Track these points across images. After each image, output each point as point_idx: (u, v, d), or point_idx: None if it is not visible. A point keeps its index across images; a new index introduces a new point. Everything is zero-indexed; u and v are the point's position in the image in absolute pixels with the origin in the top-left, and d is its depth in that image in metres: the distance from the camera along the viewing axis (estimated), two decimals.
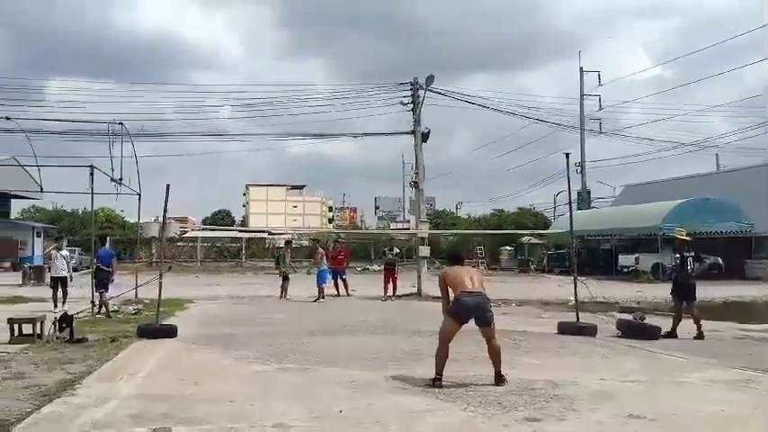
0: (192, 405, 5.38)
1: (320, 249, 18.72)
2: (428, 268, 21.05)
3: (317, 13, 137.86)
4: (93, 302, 12.70)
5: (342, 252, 19.63)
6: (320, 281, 17.13)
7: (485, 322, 6.39)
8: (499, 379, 6.34)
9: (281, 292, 17.44)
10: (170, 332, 9.69)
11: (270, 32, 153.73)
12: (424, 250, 20.25)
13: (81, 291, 14.01)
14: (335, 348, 8.80)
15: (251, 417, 5.04)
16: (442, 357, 6.34)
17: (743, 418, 5.29)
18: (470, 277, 6.54)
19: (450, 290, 6.56)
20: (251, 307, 15.33)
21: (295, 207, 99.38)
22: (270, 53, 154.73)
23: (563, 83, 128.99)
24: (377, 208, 73.74)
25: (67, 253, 14.25)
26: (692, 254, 10.83)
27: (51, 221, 47.02)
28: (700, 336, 10.22)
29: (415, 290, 19.36)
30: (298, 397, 5.80)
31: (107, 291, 12.75)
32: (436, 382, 6.20)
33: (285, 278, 17.58)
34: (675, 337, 10.25)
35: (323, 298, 16.79)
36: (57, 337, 9.02)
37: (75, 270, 14.31)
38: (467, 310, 6.34)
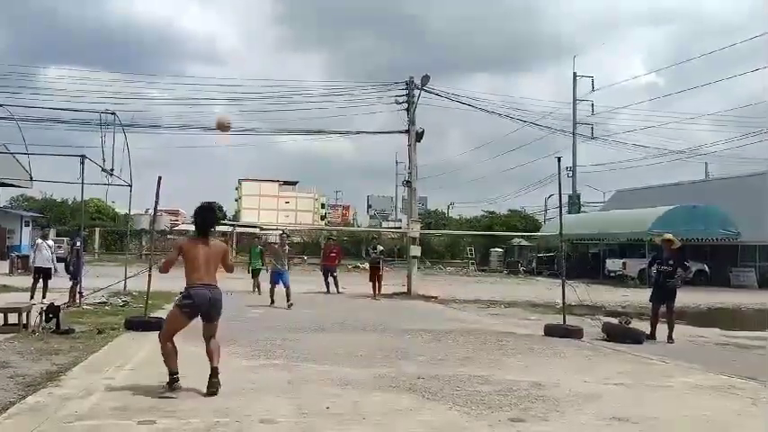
0: (178, 399, 5.38)
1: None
2: (419, 268, 21.13)
3: (317, 10, 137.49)
4: (80, 293, 12.69)
5: (334, 250, 19.65)
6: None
7: (211, 320, 5.79)
8: (214, 375, 5.59)
9: (257, 289, 17.29)
10: (158, 325, 9.52)
11: (269, 28, 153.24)
12: (416, 250, 20.30)
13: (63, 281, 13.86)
14: (324, 345, 8.81)
15: (238, 412, 5.05)
16: (169, 354, 5.58)
17: (725, 423, 5.35)
18: (208, 264, 5.73)
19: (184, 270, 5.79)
20: (240, 302, 15.29)
21: (287, 203, 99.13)
22: (268, 48, 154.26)
23: (557, 87, 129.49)
24: (369, 206, 73.74)
25: (53, 243, 14.08)
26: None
27: (40, 211, 46.70)
28: (671, 340, 10.43)
29: (405, 289, 19.44)
30: (285, 393, 5.81)
31: (74, 279, 12.75)
32: (174, 383, 5.50)
33: (258, 274, 17.66)
34: (655, 339, 10.44)
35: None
36: (43, 328, 8.98)
37: (59, 260, 14.15)
38: (200, 305, 5.69)
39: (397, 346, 8.90)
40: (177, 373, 5.52)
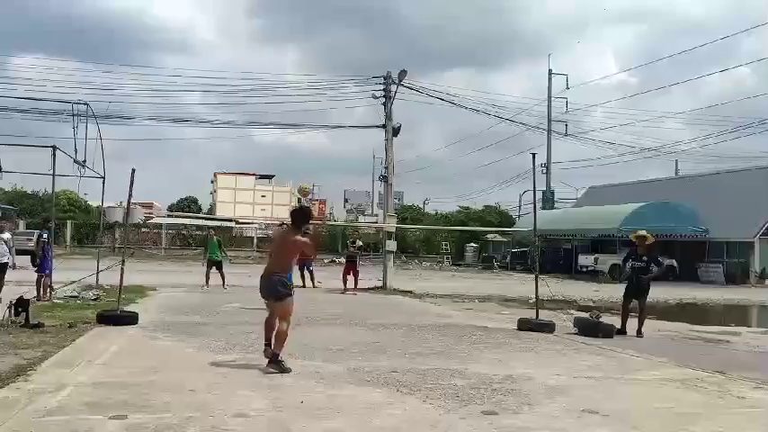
0: (151, 394, 5.34)
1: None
2: (395, 262, 21.21)
3: (292, 2, 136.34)
4: (51, 286, 12.48)
5: None
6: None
7: (274, 299, 6.77)
8: (270, 352, 6.62)
9: (210, 281, 16.86)
10: (131, 319, 9.55)
11: (244, 20, 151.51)
12: (391, 244, 20.36)
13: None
14: (299, 339, 8.76)
15: (211, 406, 5.03)
16: (266, 326, 6.87)
17: (692, 415, 5.47)
18: (279, 254, 6.90)
19: None
20: (215, 296, 15.20)
21: (263, 197, 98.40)
22: (244, 40, 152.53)
23: (533, 84, 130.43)
24: (346, 201, 73.76)
25: (9, 236, 13.47)
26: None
27: (10, 202, 45.73)
28: (640, 334, 10.60)
29: (380, 283, 19.50)
30: (260, 387, 5.81)
31: (41, 272, 12.50)
32: (265, 348, 6.72)
33: (218, 266, 17.11)
34: (625, 333, 10.61)
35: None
36: (11, 322, 8.81)
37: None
38: (261, 289, 6.89)
39: (372, 340, 8.94)
40: (269, 341, 6.72)
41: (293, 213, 7.01)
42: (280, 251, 6.88)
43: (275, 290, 6.68)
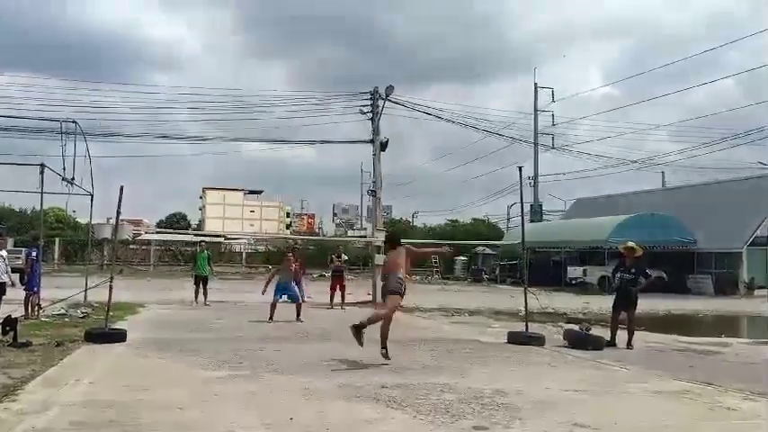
0: (139, 412, 5.30)
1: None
2: None
3: (283, 18, 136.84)
4: (38, 304, 12.36)
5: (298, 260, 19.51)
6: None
7: (390, 292, 8.24)
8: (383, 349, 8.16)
9: (200, 297, 16.73)
10: (119, 337, 9.50)
11: (235, 36, 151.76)
12: (380, 258, 20.33)
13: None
14: (288, 355, 8.78)
15: (200, 424, 5.00)
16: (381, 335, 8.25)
17: (683, 428, 5.50)
18: (393, 264, 8.32)
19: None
20: (203, 312, 15.12)
21: (252, 212, 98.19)
22: (230, 57, 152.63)
23: (519, 97, 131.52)
24: (335, 215, 73.80)
25: (5, 253, 13.22)
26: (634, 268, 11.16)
27: None
28: (630, 346, 10.62)
29: (370, 297, 19.45)
30: (249, 404, 5.78)
31: (29, 290, 12.35)
32: (381, 350, 8.21)
33: (205, 282, 16.99)
34: (615, 345, 10.63)
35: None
36: None
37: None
38: (383, 289, 8.50)
39: (361, 355, 8.88)
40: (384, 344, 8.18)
41: (389, 237, 9.21)
42: (394, 264, 8.31)
43: (392, 284, 8.13)
